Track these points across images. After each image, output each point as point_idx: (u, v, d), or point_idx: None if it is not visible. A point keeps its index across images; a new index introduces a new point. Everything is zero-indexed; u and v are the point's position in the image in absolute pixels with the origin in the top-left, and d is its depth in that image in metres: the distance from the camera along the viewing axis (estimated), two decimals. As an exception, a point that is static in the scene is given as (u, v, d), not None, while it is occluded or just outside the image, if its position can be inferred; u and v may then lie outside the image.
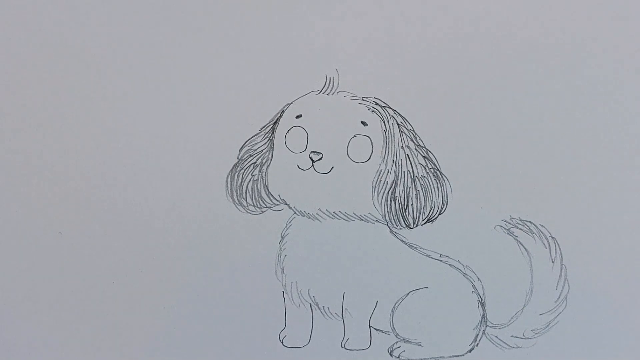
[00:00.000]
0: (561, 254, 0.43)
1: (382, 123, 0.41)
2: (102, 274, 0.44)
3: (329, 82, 0.42)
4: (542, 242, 0.43)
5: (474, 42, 0.41)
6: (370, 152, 0.41)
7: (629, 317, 0.45)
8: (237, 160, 0.43)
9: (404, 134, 0.42)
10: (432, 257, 0.44)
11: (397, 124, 0.42)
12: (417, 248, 0.44)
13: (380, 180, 0.42)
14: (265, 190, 0.43)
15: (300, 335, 0.45)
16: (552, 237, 0.43)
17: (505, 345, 0.45)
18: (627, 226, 0.43)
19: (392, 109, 0.42)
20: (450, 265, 0.44)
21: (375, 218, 0.43)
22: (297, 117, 0.42)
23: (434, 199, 0.42)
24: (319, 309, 0.45)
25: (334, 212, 0.43)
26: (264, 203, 0.43)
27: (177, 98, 0.42)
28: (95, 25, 0.41)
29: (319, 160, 0.42)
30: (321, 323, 0.45)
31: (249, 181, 0.43)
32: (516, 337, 0.45)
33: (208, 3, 0.41)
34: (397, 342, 0.45)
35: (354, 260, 0.44)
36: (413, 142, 0.42)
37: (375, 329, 0.45)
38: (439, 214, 0.43)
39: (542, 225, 0.43)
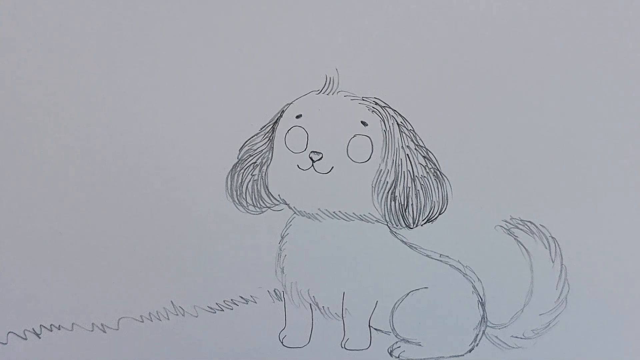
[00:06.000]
0: (561, 254, 0.44)
1: (382, 123, 0.41)
2: (102, 274, 0.44)
3: (329, 82, 0.42)
4: (542, 242, 0.43)
5: (474, 42, 0.41)
6: (370, 152, 0.41)
7: (629, 317, 0.45)
8: (237, 160, 0.43)
9: (404, 134, 0.42)
10: (432, 257, 0.44)
11: (397, 124, 0.42)
12: (417, 248, 0.44)
13: (380, 180, 0.42)
14: (265, 190, 0.43)
15: (300, 335, 0.45)
16: (552, 237, 0.43)
17: (505, 345, 0.45)
18: (627, 226, 0.43)
19: (392, 109, 0.42)
20: (450, 265, 0.44)
21: (375, 218, 0.43)
22: (297, 117, 0.42)
23: (434, 199, 0.42)
24: (319, 309, 0.45)
25: (334, 212, 0.43)
26: (264, 203, 0.43)
27: (177, 98, 0.42)
28: (95, 25, 0.42)
29: (319, 160, 0.42)
30: (321, 323, 0.45)
31: (249, 181, 0.43)
32: (516, 337, 0.45)
33: (208, 3, 0.41)
34: (397, 342, 0.45)
35: (354, 260, 0.44)
36: (413, 142, 0.42)
37: (375, 329, 0.45)
38: (439, 214, 0.43)
39: (542, 225, 0.43)
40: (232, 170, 0.43)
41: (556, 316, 0.44)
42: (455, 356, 0.45)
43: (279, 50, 0.42)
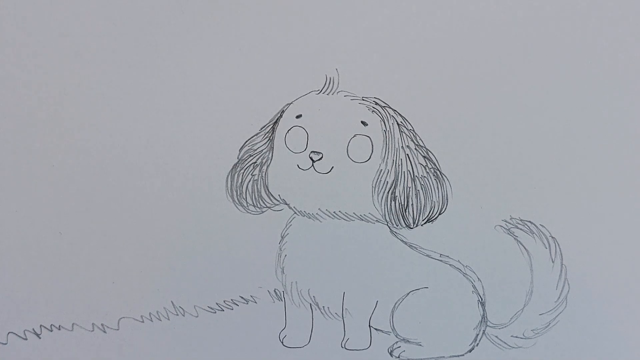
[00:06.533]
0: (561, 254, 0.44)
1: (382, 123, 0.41)
2: (102, 274, 0.44)
3: (329, 82, 0.42)
4: (542, 242, 0.43)
5: (474, 42, 0.41)
6: (370, 152, 0.41)
7: (629, 317, 0.45)
8: (237, 160, 0.43)
9: (404, 133, 0.42)
10: (432, 257, 0.44)
11: (397, 123, 0.42)
12: (417, 248, 0.44)
13: (380, 180, 0.42)
14: (265, 190, 0.43)
15: (300, 335, 0.45)
16: (552, 237, 0.43)
17: (505, 345, 0.45)
18: (627, 226, 0.43)
19: (392, 109, 0.42)
20: (450, 265, 0.44)
21: (375, 218, 0.43)
22: (297, 117, 0.42)
23: (434, 199, 0.42)
24: (319, 309, 0.45)
25: (334, 212, 0.43)
26: (264, 203, 0.43)
27: (177, 98, 0.42)
28: (95, 25, 0.42)
29: (319, 160, 0.42)
30: (321, 323, 0.45)
31: (249, 181, 0.43)
32: (516, 337, 0.45)
33: (208, 3, 0.41)
34: (397, 342, 0.45)
35: (354, 260, 0.44)
36: (413, 142, 0.42)
37: (375, 329, 0.45)
38: (439, 214, 0.43)
39: (542, 225, 0.43)
40: (232, 170, 0.43)
41: (556, 316, 0.44)
42: (455, 356, 0.45)
43: (279, 50, 0.42)
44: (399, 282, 0.44)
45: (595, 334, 0.45)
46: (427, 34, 0.41)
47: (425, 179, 0.42)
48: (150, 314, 0.45)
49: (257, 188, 0.43)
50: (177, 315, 0.45)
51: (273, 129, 0.42)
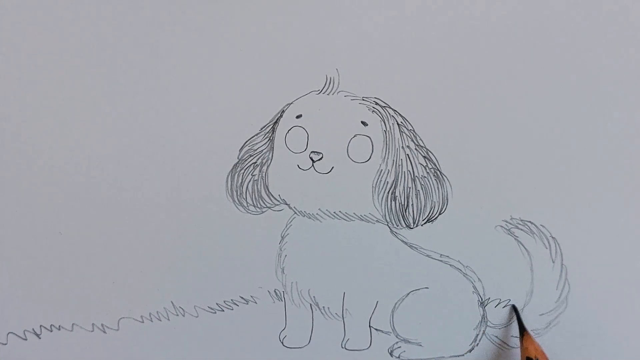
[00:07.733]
0: (561, 254, 0.44)
1: (382, 123, 0.41)
2: (102, 274, 0.44)
3: (329, 82, 0.42)
4: (542, 242, 0.43)
5: (474, 42, 0.41)
6: (371, 152, 0.41)
7: (629, 317, 0.45)
8: (237, 160, 0.43)
9: (404, 134, 0.42)
10: (432, 257, 0.44)
11: (397, 124, 0.42)
12: (417, 248, 0.44)
13: (381, 180, 0.42)
14: (265, 190, 0.43)
15: (300, 335, 0.45)
16: (552, 237, 0.43)
17: (505, 345, 0.45)
18: (627, 226, 0.43)
19: (392, 109, 0.42)
20: (450, 265, 0.44)
21: (375, 218, 0.43)
22: (297, 117, 0.42)
23: (434, 199, 0.42)
24: (319, 309, 0.45)
25: (334, 212, 0.43)
26: (264, 203, 0.43)
27: (177, 98, 0.42)
28: (96, 25, 0.42)
29: (319, 160, 0.42)
30: (321, 323, 0.45)
31: (249, 181, 0.43)
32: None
33: (208, 3, 0.41)
34: (397, 342, 0.45)
35: (354, 260, 0.44)
36: (413, 142, 0.42)
37: (375, 329, 0.45)
38: (439, 214, 0.43)
39: (542, 225, 0.43)
40: (232, 170, 0.43)
41: (556, 316, 0.44)
42: (456, 356, 0.45)
43: (279, 50, 0.42)
44: (399, 282, 0.44)
45: (595, 334, 0.45)
46: (427, 34, 0.41)
47: (426, 179, 0.42)
48: (150, 314, 0.45)
49: (257, 188, 0.43)
50: (177, 315, 0.45)
51: (273, 129, 0.42)
